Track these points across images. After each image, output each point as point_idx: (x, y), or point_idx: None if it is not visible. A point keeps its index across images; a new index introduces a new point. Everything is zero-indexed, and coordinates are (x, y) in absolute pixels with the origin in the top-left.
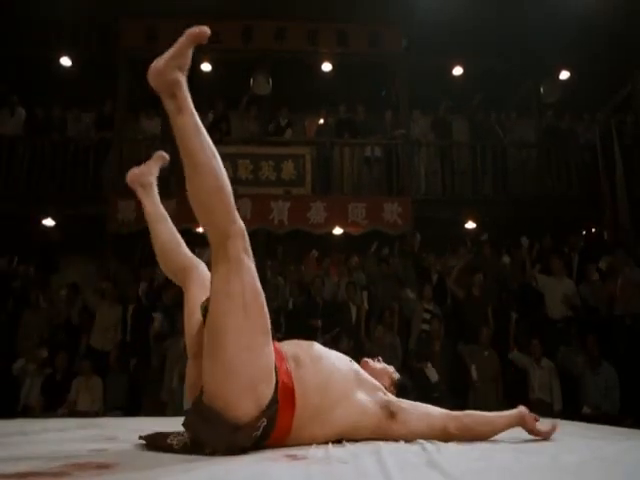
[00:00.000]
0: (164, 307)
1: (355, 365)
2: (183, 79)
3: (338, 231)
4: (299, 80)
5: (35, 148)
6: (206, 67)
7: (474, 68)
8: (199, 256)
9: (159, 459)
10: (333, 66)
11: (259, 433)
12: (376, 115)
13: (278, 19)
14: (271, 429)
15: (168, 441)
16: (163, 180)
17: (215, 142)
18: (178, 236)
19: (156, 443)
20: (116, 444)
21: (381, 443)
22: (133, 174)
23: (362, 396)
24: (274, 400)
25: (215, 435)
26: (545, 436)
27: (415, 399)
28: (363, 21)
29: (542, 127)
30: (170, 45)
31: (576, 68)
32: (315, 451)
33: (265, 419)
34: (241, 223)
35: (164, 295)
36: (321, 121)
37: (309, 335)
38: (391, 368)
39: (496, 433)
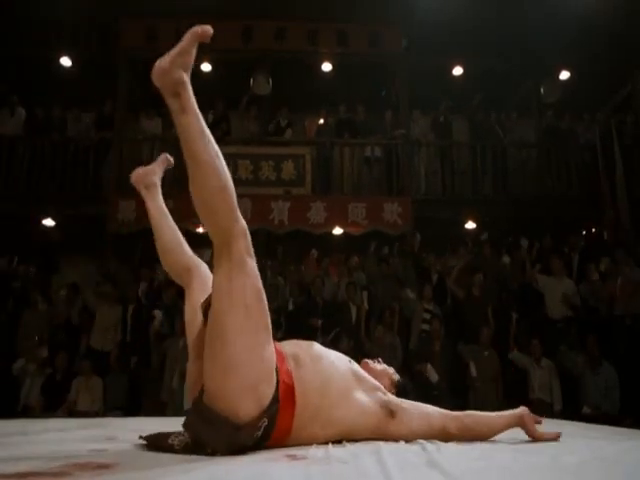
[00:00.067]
0: (164, 307)
1: (355, 365)
2: (187, 78)
3: (338, 231)
4: (299, 80)
5: (35, 148)
6: (206, 67)
7: (474, 68)
8: (199, 257)
9: (159, 459)
10: (333, 66)
11: (260, 433)
12: (376, 115)
13: (278, 19)
14: (272, 429)
15: (169, 441)
16: (162, 180)
17: (215, 142)
18: (181, 236)
19: (157, 443)
20: (116, 444)
21: (381, 443)
22: (137, 174)
23: (362, 396)
24: (275, 400)
25: (216, 435)
26: (543, 441)
27: (415, 399)
28: (363, 21)
29: (542, 127)
30: (170, 45)
31: (576, 68)
32: (315, 451)
33: (266, 419)
34: (244, 223)
35: (164, 295)
36: (321, 121)
37: (309, 335)
38: (391, 369)
39: (496, 433)
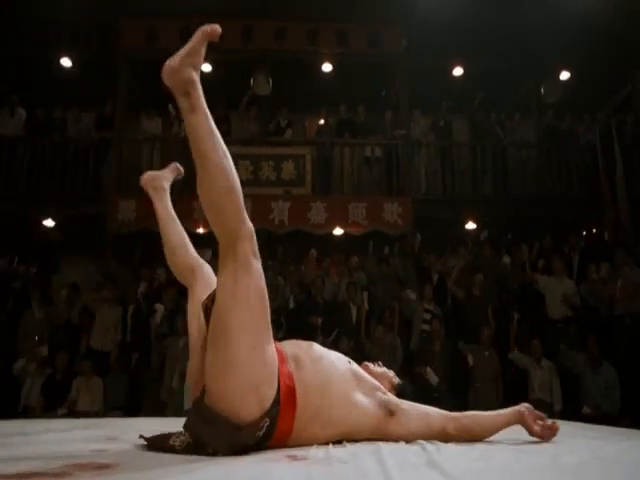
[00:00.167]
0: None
1: (354, 365)
2: (197, 77)
3: (338, 231)
4: (299, 80)
5: (35, 148)
6: (206, 67)
7: (474, 68)
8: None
9: (159, 459)
10: (333, 66)
11: (262, 433)
12: (376, 115)
13: (278, 19)
14: (273, 430)
15: (170, 442)
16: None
17: None
18: (186, 238)
19: (158, 444)
20: (117, 444)
21: (381, 443)
22: (148, 176)
23: (361, 396)
24: (276, 402)
25: (217, 435)
26: (543, 438)
27: (415, 401)
28: (363, 21)
29: (542, 127)
30: (170, 45)
31: (576, 68)
32: (315, 451)
33: (268, 419)
34: (250, 224)
35: (164, 295)
36: (321, 121)
37: (309, 335)
38: (391, 372)
39: (496, 432)
